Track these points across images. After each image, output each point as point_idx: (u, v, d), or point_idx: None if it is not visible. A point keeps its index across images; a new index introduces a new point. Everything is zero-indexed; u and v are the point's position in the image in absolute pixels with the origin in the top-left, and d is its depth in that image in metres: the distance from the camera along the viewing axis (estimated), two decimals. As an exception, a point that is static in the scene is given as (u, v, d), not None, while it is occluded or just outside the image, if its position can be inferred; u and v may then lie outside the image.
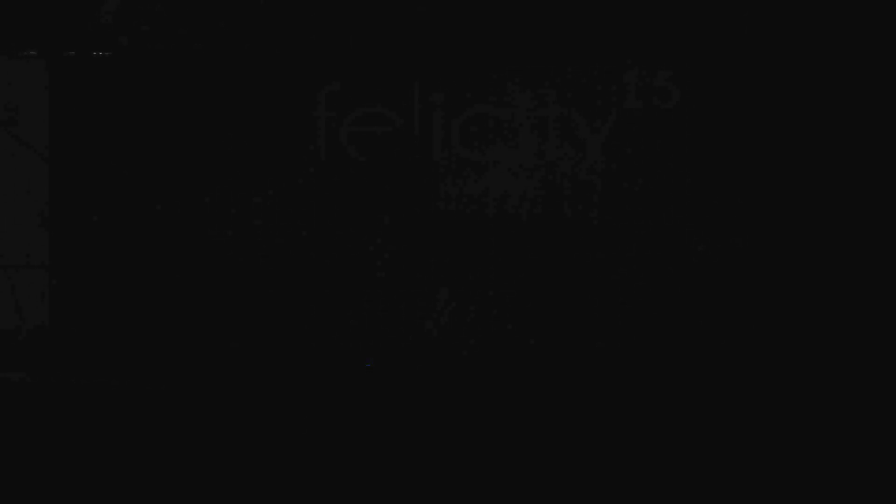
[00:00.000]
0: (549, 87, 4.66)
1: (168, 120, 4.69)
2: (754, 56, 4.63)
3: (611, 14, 4.63)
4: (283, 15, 4.66)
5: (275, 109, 4.69)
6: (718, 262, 4.65)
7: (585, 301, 4.66)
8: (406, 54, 4.67)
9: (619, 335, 4.65)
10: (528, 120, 4.67)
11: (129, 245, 4.70)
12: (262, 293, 4.69)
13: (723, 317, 4.64)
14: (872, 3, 4.60)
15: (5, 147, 4.70)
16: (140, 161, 4.70)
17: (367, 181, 4.69)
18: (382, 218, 4.69)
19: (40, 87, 4.67)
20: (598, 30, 4.63)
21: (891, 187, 4.61)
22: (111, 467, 4.50)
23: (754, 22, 4.61)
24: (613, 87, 4.65)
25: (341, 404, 4.62)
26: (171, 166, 4.70)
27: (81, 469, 4.50)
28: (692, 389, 4.61)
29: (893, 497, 4.41)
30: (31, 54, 4.66)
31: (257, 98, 4.69)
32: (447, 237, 4.68)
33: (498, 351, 4.66)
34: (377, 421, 4.59)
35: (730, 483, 4.46)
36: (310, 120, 4.69)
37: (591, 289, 4.66)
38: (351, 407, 4.62)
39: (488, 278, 4.67)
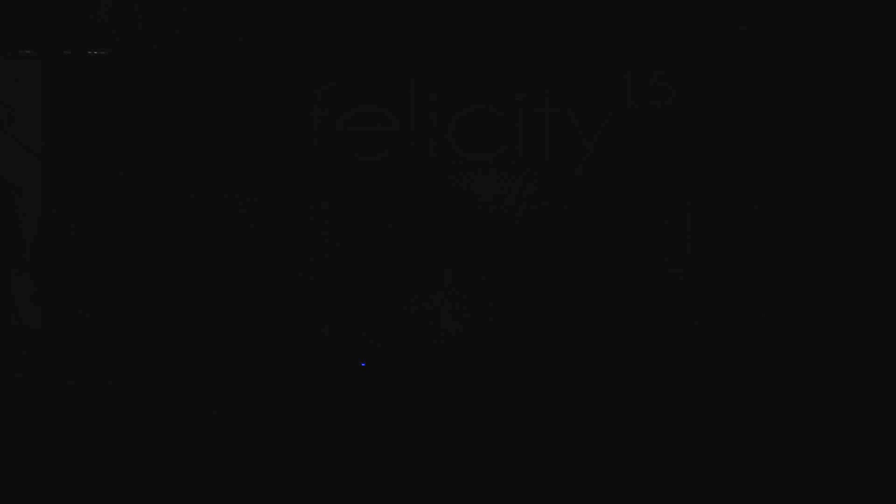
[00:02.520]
0: (546, 85, 4.67)
1: (163, 119, 4.69)
2: (751, 55, 4.63)
3: (608, 14, 4.64)
4: (278, 14, 4.67)
5: (270, 108, 4.69)
6: (716, 262, 4.64)
7: (583, 300, 4.65)
8: (402, 53, 4.67)
9: (618, 334, 4.64)
10: (524, 119, 4.67)
11: (124, 244, 4.69)
12: (257, 293, 4.68)
13: (722, 316, 4.63)
14: (872, 3, 4.61)
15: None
16: (135, 161, 4.69)
17: (363, 180, 4.69)
18: (379, 217, 4.69)
19: (35, 85, 4.67)
20: (594, 29, 4.64)
21: (890, 188, 4.61)
22: (106, 468, 4.49)
23: (751, 21, 4.62)
24: (610, 88, 4.66)
25: (339, 404, 4.61)
26: (167, 166, 4.69)
27: (77, 469, 4.48)
28: (692, 390, 4.60)
29: (894, 497, 4.39)
30: (26, 53, 4.66)
31: (253, 97, 4.69)
32: (445, 236, 4.68)
33: (496, 351, 4.66)
34: (375, 421, 4.58)
35: (730, 483, 4.45)
36: (306, 119, 4.68)
37: (589, 288, 4.65)
38: (348, 407, 4.60)
39: (486, 278, 4.67)
